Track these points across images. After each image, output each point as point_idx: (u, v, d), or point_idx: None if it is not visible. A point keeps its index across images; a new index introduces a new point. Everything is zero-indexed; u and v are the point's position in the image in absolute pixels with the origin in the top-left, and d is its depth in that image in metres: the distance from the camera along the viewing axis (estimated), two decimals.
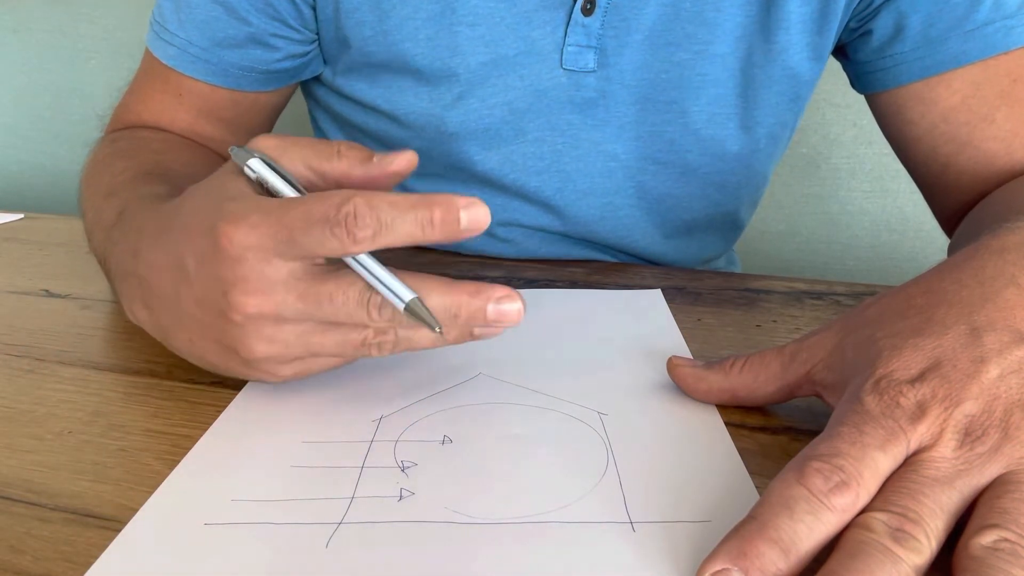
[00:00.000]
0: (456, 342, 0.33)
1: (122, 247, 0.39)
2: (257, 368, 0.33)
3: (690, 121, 0.54)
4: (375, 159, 0.32)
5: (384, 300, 0.30)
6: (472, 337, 0.32)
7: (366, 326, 0.31)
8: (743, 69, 0.52)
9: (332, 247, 0.29)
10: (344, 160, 0.32)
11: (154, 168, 0.47)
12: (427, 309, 0.30)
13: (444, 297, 0.30)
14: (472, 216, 0.29)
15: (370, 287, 0.30)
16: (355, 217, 0.28)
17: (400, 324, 0.31)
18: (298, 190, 0.32)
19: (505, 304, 0.30)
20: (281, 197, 0.32)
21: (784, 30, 0.50)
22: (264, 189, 0.33)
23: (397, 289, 0.30)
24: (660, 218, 0.59)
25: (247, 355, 0.32)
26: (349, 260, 0.30)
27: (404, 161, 0.32)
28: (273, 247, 0.30)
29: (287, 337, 0.32)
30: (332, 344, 0.32)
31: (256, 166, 0.32)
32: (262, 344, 0.32)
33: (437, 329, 0.30)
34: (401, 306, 0.30)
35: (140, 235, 0.37)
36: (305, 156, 0.33)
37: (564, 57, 0.52)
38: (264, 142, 0.33)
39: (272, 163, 0.33)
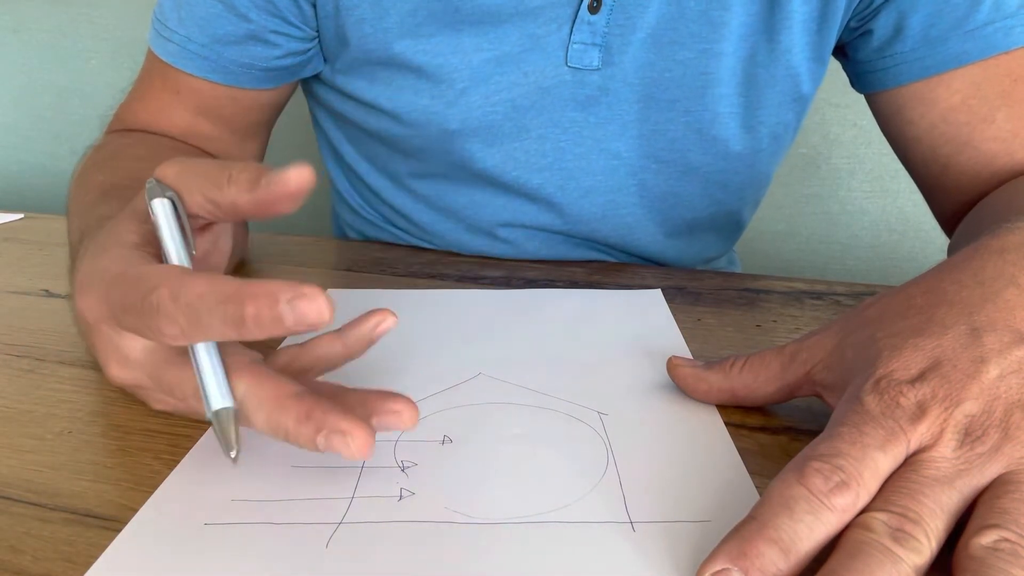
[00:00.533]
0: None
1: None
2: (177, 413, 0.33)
3: (693, 120, 0.54)
4: (263, 181, 0.28)
5: None
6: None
7: None
8: (746, 69, 0.52)
9: (149, 337, 0.27)
10: (233, 186, 0.29)
11: (124, 180, 0.45)
12: (234, 425, 0.27)
13: (270, 416, 0.27)
14: (301, 312, 0.24)
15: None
16: (157, 311, 0.25)
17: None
18: (185, 242, 0.31)
19: (339, 439, 0.26)
20: (164, 253, 0.30)
21: (787, 30, 0.50)
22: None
23: (209, 392, 0.27)
24: (661, 216, 0.59)
25: (156, 408, 0.33)
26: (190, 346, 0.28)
27: (296, 179, 0.28)
28: (115, 322, 0.28)
29: (164, 400, 0.31)
30: (199, 410, 0.30)
31: (157, 209, 0.31)
32: (157, 404, 0.32)
33: (231, 454, 0.27)
34: (208, 414, 0.27)
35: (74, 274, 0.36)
36: (201, 186, 0.30)
37: (569, 55, 0.52)
38: (167, 171, 0.31)
39: (176, 204, 0.31)
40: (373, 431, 0.26)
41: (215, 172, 0.30)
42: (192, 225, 0.32)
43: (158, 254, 0.31)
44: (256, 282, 0.25)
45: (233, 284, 0.25)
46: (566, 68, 0.52)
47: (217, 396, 0.27)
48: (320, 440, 0.26)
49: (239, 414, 0.28)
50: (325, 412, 0.26)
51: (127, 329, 0.28)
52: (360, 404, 0.29)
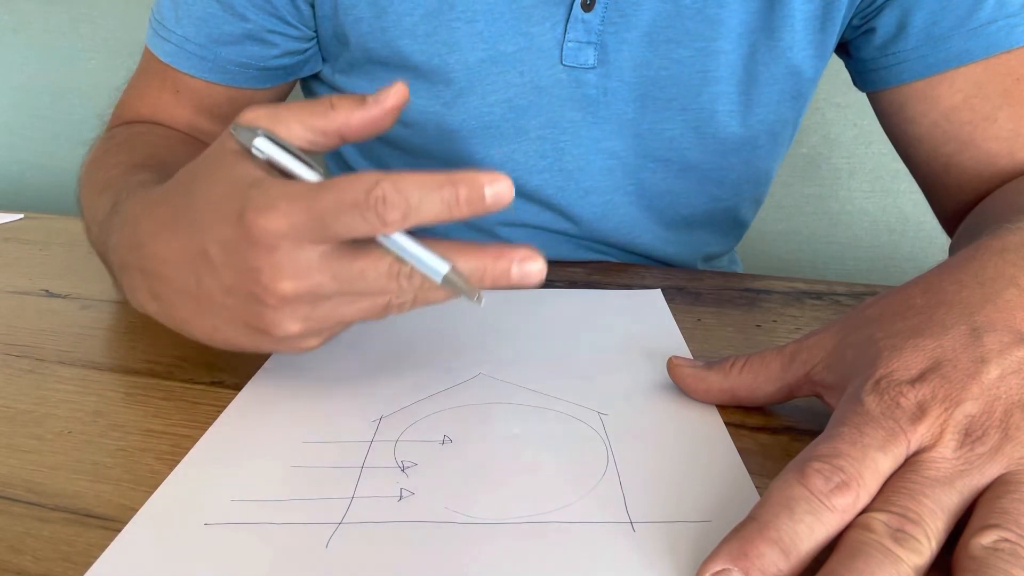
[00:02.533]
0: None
1: (118, 239, 0.38)
2: (287, 343, 0.33)
3: (690, 118, 0.54)
4: (369, 100, 0.32)
5: (413, 270, 0.30)
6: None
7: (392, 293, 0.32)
8: (746, 67, 0.52)
9: (363, 230, 0.29)
10: (339, 111, 0.32)
11: (147, 160, 0.46)
12: (463, 278, 0.30)
13: (470, 262, 0.31)
14: (496, 191, 0.29)
15: (399, 259, 0.30)
16: (384, 201, 0.28)
17: (423, 287, 0.32)
18: (309, 165, 0.32)
19: (528, 264, 0.31)
20: (295, 176, 0.31)
21: (789, 28, 0.50)
22: (274, 168, 0.32)
23: (432, 262, 0.30)
24: (659, 214, 0.59)
25: (281, 334, 0.32)
26: (379, 237, 0.31)
27: (397, 94, 0.32)
28: (306, 233, 0.30)
29: (321, 314, 0.32)
30: (359, 312, 0.33)
31: (263, 146, 0.32)
32: (297, 324, 0.32)
33: (476, 298, 0.31)
34: (438, 279, 0.30)
35: (137, 226, 0.36)
36: (301, 119, 0.32)
37: (564, 53, 0.52)
38: (255, 113, 0.33)
39: (277, 139, 0.32)
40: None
41: (312, 104, 0.32)
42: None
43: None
44: (456, 171, 0.29)
45: (440, 173, 0.29)
46: (561, 67, 0.52)
47: (439, 262, 0.30)
48: (515, 268, 0.30)
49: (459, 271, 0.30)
50: (511, 248, 0.30)
51: (340, 228, 0.29)
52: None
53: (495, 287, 0.31)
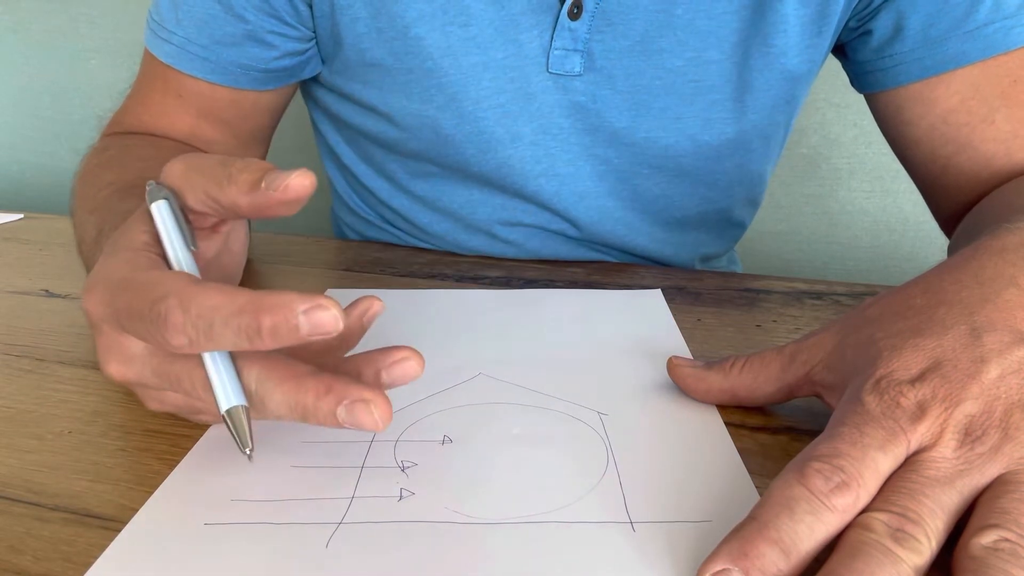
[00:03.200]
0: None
1: None
2: (177, 415, 0.32)
3: (684, 127, 0.54)
4: (264, 183, 0.28)
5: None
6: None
7: None
8: (740, 74, 0.52)
9: (156, 342, 0.26)
10: (232, 187, 0.29)
11: (136, 179, 0.46)
12: (246, 422, 0.27)
13: (288, 396, 0.27)
14: (316, 321, 0.24)
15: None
16: (165, 322, 0.25)
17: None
18: (186, 241, 0.30)
19: (360, 414, 0.26)
20: (164, 254, 0.30)
21: (782, 33, 0.50)
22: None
23: (219, 392, 0.27)
24: (653, 217, 0.60)
25: (156, 410, 0.32)
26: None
27: (296, 186, 0.28)
28: (118, 326, 0.28)
29: (172, 402, 0.31)
30: (205, 410, 0.30)
31: (155, 211, 0.31)
32: (156, 405, 0.31)
33: (246, 451, 0.27)
34: (220, 412, 0.27)
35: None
36: (204, 184, 0.30)
37: (550, 61, 0.52)
38: (173, 169, 0.31)
39: (174, 207, 0.31)
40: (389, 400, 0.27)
41: (217, 170, 0.30)
42: (202, 223, 0.32)
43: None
44: (267, 293, 0.25)
45: (245, 295, 0.25)
46: (548, 74, 0.52)
47: (229, 395, 0.27)
48: (341, 412, 0.26)
49: (251, 408, 0.27)
50: (345, 384, 0.26)
51: (132, 335, 0.27)
52: (368, 366, 0.29)
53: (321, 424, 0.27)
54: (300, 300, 0.24)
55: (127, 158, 0.52)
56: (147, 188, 0.32)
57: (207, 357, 0.28)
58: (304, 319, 0.24)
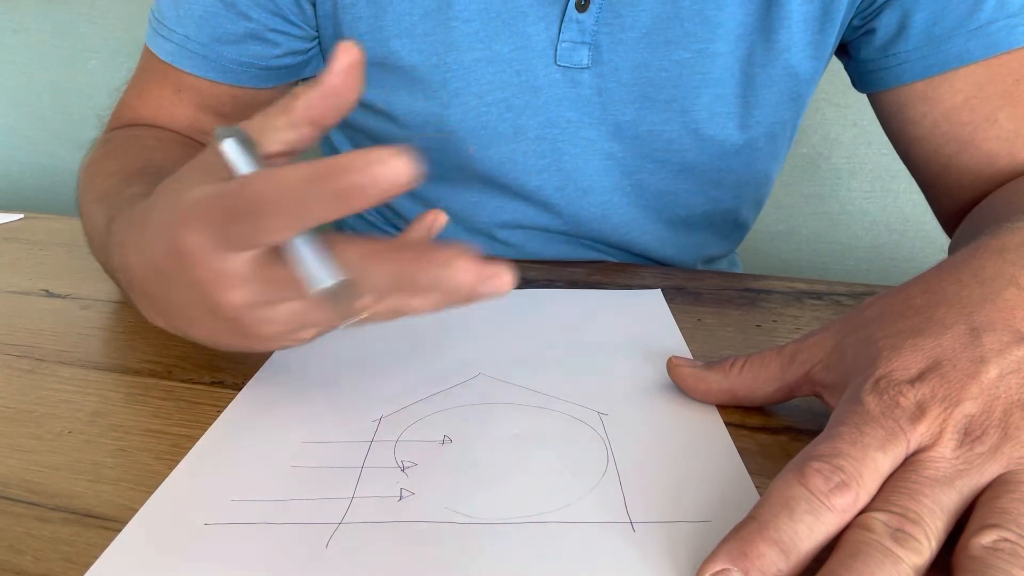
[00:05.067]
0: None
1: (118, 261, 0.37)
2: (278, 341, 0.32)
3: (689, 120, 0.54)
4: (325, 74, 0.28)
5: None
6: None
7: None
8: (744, 69, 0.52)
9: (258, 238, 0.27)
10: (301, 98, 0.29)
11: (144, 166, 0.46)
12: (346, 294, 0.26)
13: (386, 266, 0.27)
14: (394, 168, 0.24)
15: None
16: (262, 206, 0.26)
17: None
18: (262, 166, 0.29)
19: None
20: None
21: (786, 29, 0.50)
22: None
23: (322, 270, 0.26)
24: (657, 214, 0.60)
25: (263, 336, 0.31)
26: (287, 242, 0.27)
27: (346, 54, 0.28)
28: (221, 243, 0.28)
29: (284, 314, 0.30)
30: (325, 317, 0.30)
31: (225, 149, 0.30)
32: (267, 326, 0.30)
33: (354, 320, 0.27)
34: (313, 290, 0.26)
35: (124, 248, 0.35)
36: (272, 120, 0.30)
37: (558, 53, 0.52)
38: (249, 124, 0.31)
39: (247, 145, 0.30)
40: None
41: (279, 103, 0.30)
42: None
43: None
44: (336, 157, 0.25)
45: (323, 163, 0.25)
46: (556, 67, 0.52)
47: (333, 270, 0.26)
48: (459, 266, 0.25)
49: (351, 285, 0.27)
50: (434, 249, 0.26)
51: (234, 240, 0.27)
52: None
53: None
54: (366, 155, 0.24)
55: (131, 147, 0.52)
56: (216, 132, 0.31)
57: (302, 246, 0.27)
58: (382, 168, 0.24)
